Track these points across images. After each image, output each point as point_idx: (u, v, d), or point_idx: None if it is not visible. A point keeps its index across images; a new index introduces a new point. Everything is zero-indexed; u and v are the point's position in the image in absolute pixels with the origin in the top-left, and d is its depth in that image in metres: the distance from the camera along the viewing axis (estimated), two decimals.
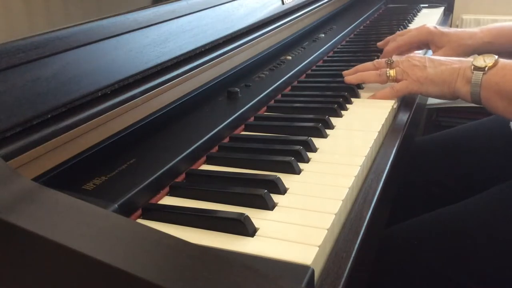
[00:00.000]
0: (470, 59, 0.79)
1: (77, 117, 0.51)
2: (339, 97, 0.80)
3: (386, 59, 0.86)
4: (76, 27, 0.54)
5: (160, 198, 0.54)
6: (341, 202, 0.51)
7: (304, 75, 0.96)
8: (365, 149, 0.63)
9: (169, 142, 0.60)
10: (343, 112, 0.77)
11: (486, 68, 0.74)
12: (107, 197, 0.47)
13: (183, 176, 0.58)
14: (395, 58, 0.87)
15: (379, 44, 1.11)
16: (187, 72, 0.69)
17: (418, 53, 1.05)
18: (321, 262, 0.45)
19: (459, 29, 1.09)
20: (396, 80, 0.83)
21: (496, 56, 0.75)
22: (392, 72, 0.83)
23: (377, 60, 0.90)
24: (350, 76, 0.88)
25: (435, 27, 1.00)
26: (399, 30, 1.28)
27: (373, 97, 0.83)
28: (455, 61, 0.80)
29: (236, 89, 0.76)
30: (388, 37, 1.08)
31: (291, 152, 0.61)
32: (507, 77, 0.73)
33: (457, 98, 0.80)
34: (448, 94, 0.80)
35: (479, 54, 1.01)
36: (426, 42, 1.01)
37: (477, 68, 0.75)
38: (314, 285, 0.42)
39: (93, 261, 0.32)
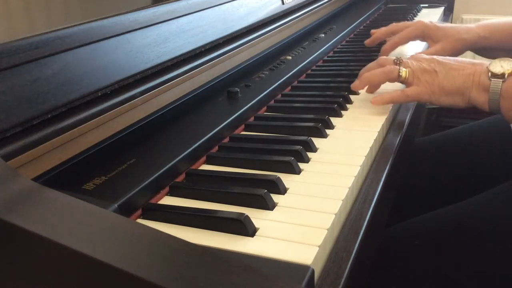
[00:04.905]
0: (484, 62, 0.74)
1: (77, 117, 0.51)
2: (339, 97, 0.80)
3: (394, 58, 0.80)
4: (76, 27, 0.55)
5: (160, 198, 0.54)
6: (341, 202, 0.51)
7: (304, 75, 0.95)
8: (365, 149, 0.63)
9: (169, 142, 0.60)
10: (343, 112, 0.77)
11: (506, 76, 0.69)
12: (107, 197, 0.47)
13: (183, 176, 0.58)
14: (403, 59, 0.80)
15: (366, 42, 1.08)
16: (187, 72, 0.69)
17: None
18: (321, 262, 0.45)
19: (454, 24, 1.09)
20: (407, 82, 0.77)
21: None
22: (404, 73, 0.76)
23: (382, 57, 0.84)
24: (356, 81, 0.81)
25: (431, 22, 0.99)
26: None
27: (381, 99, 0.77)
28: (467, 66, 0.74)
29: (236, 89, 0.76)
30: (375, 31, 1.07)
31: (291, 152, 0.61)
32: None
33: (472, 106, 0.74)
34: (462, 103, 0.74)
35: (475, 49, 1.01)
36: (422, 37, 1.01)
37: (495, 75, 0.69)
38: (314, 285, 0.42)
39: (93, 261, 0.32)
